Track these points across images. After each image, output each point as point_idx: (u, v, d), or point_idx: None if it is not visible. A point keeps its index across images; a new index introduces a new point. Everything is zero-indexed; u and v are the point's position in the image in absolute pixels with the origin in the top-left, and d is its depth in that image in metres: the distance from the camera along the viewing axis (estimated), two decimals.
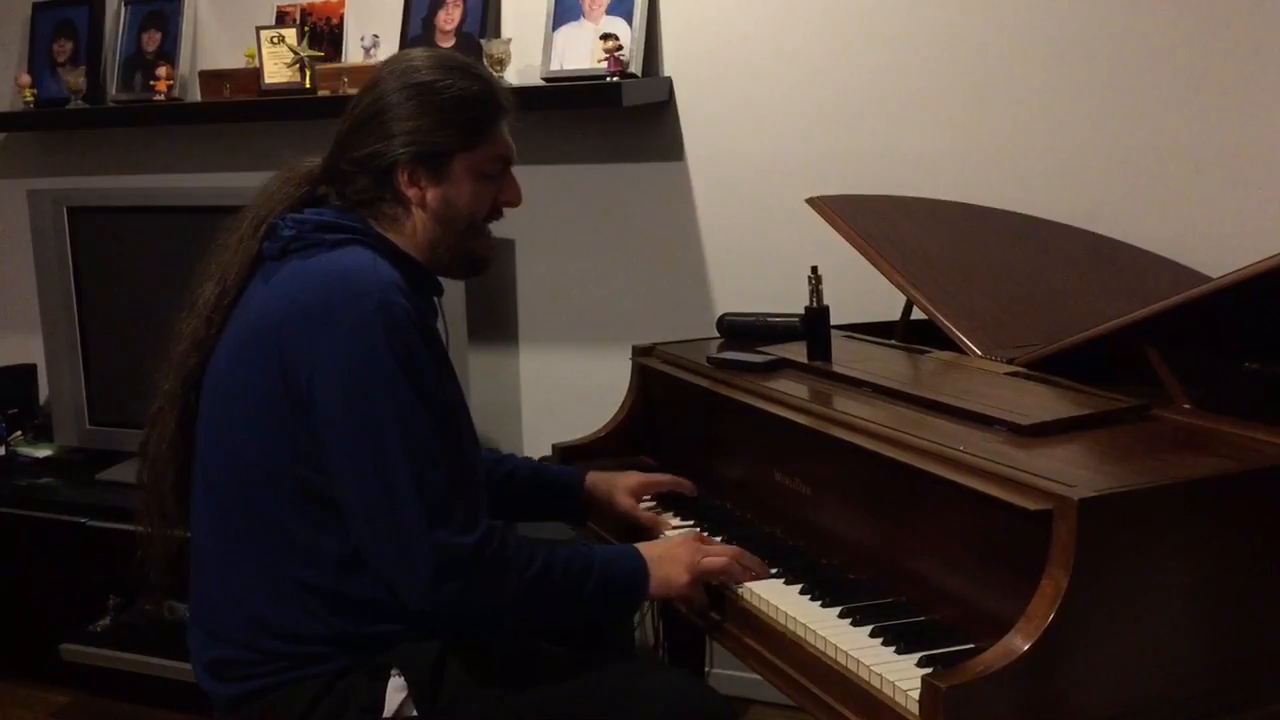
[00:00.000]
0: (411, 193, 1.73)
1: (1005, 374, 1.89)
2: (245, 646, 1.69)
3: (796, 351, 2.10)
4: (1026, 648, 1.33)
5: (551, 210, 3.05)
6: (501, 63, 2.85)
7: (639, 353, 2.36)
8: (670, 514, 2.04)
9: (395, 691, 1.66)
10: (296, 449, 1.64)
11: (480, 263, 1.84)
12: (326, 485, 1.63)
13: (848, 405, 1.85)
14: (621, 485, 2.05)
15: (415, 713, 1.66)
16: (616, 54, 2.74)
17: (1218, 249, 2.35)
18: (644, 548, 1.77)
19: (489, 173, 1.77)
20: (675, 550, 1.76)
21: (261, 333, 1.67)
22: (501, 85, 1.82)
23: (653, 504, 2.08)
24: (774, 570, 1.77)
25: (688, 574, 1.73)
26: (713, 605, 1.80)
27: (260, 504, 1.67)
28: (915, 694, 1.37)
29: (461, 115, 1.73)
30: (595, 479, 2.07)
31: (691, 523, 2.00)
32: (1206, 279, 2.06)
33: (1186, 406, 1.70)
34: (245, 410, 1.68)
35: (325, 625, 1.66)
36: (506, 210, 1.84)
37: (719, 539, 1.87)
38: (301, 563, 1.66)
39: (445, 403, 1.67)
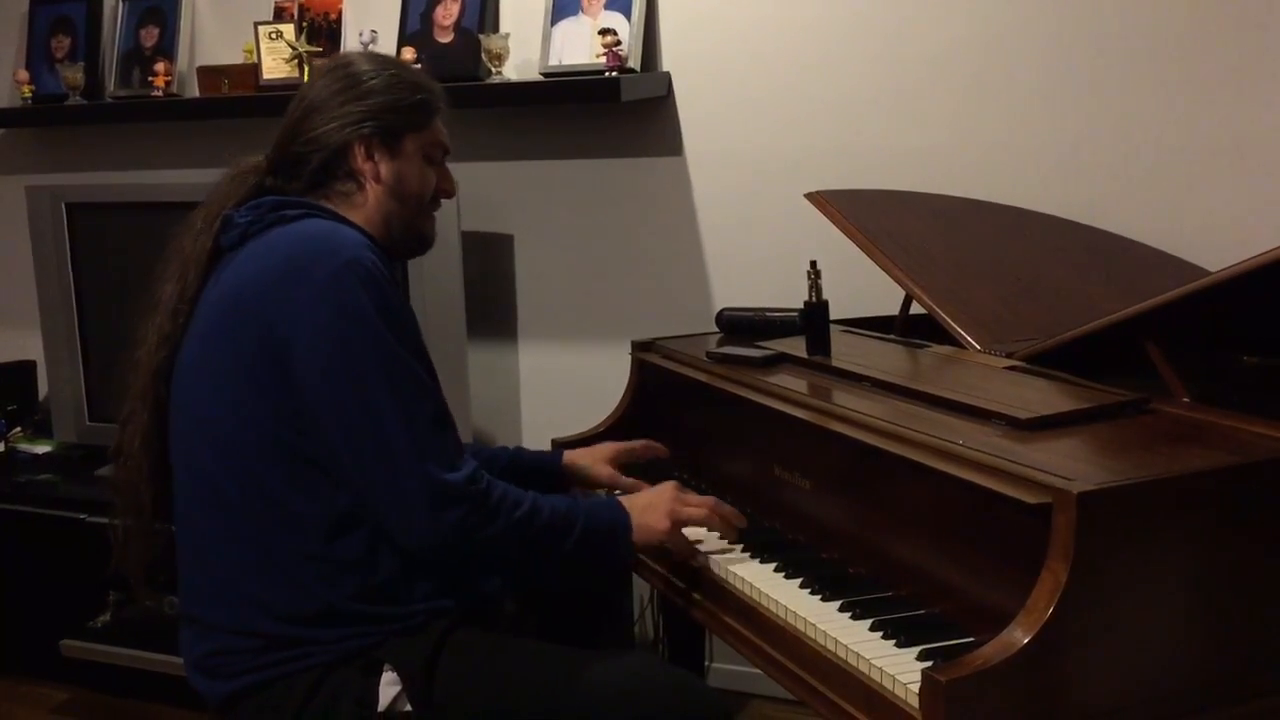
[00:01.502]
0: (366, 167, 1.80)
1: (1004, 368, 1.89)
2: (237, 633, 1.70)
3: (795, 346, 2.10)
4: (1026, 641, 1.33)
5: (550, 205, 3.05)
6: (500, 58, 2.85)
7: (638, 348, 2.36)
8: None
9: (388, 686, 1.67)
10: (280, 412, 1.66)
11: (428, 240, 1.92)
12: (312, 447, 1.66)
13: (847, 400, 1.85)
14: (599, 455, 2.11)
15: (409, 708, 1.66)
16: (615, 49, 2.74)
17: (1216, 243, 2.35)
18: (624, 499, 1.84)
19: (433, 157, 1.87)
20: (654, 499, 1.84)
21: (233, 306, 1.70)
22: (435, 83, 1.90)
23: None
24: (774, 565, 1.77)
25: (668, 520, 1.81)
26: (712, 599, 1.80)
27: (247, 478, 1.68)
28: (915, 687, 1.37)
29: (410, 99, 1.83)
30: (572, 455, 2.13)
31: None
32: (1205, 273, 2.06)
33: (1185, 400, 1.71)
34: (226, 386, 1.69)
35: (315, 599, 1.67)
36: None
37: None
38: (289, 533, 1.67)
39: (421, 350, 1.72)
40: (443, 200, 1.91)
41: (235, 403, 1.68)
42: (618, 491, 2.05)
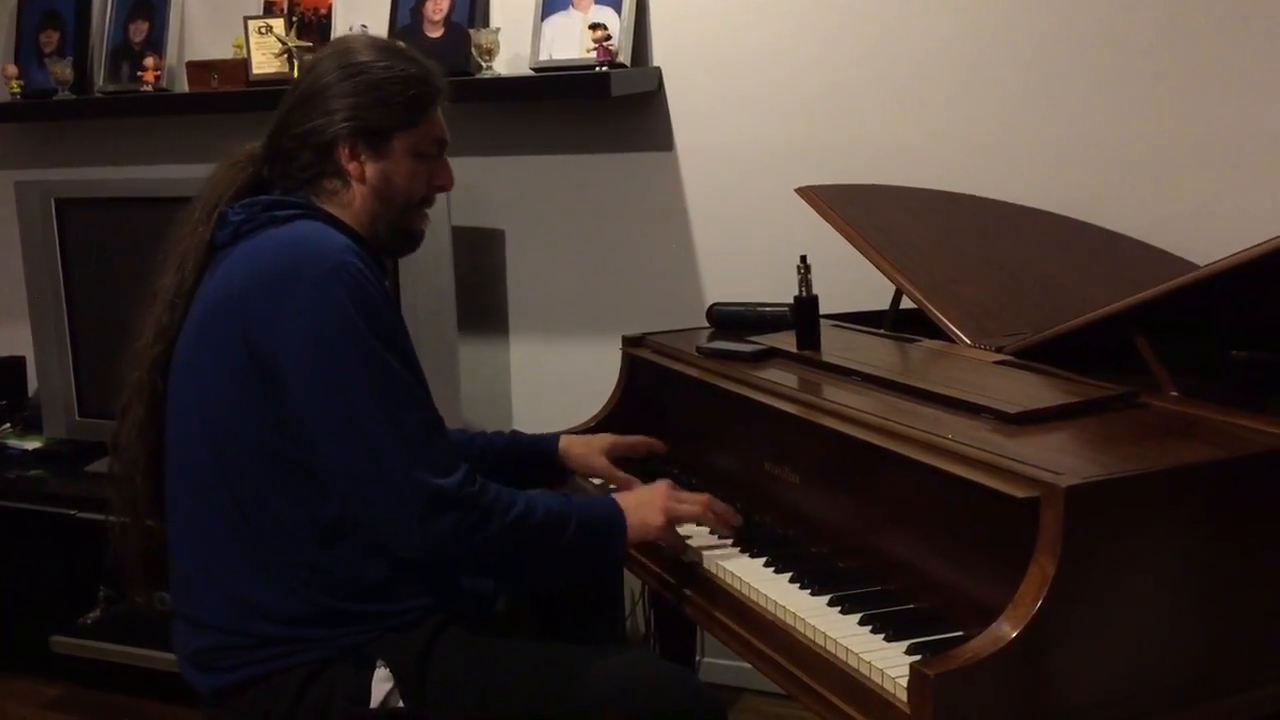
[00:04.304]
0: (351, 167, 1.77)
1: (993, 362, 1.89)
2: (230, 631, 1.70)
3: (786, 341, 2.10)
4: (1014, 635, 1.33)
5: (541, 201, 3.05)
6: (490, 53, 2.85)
7: (629, 343, 2.36)
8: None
9: (381, 682, 1.67)
10: (270, 419, 1.65)
11: (417, 237, 1.88)
12: (302, 453, 1.65)
13: (837, 394, 1.85)
14: (596, 445, 2.10)
15: (401, 704, 1.67)
16: (605, 44, 2.74)
17: (1205, 238, 2.35)
18: (618, 496, 1.83)
19: (425, 153, 1.81)
20: (649, 496, 1.83)
21: (222, 309, 1.69)
22: (437, 69, 1.85)
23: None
24: (764, 560, 1.77)
25: (662, 516, 1.79)
26: (703, 594, 1.80)
27: (238, 481, 1.68)
28: (904, 681, 1.37)
29: (402, 95, 1.77)
30: (570, 440, 2.12)
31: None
32: (1194, 267, 2.07)
33: (1174, 394, 1.71)
34: (216, 388, 1.69)
35: (308, 603, 1.67)
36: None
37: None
38: (281, 538, 1.67)
39: (409, 355, 1.71)
40: (437, 195, 1.87)
41: (226, 407, 1.68)
42: (612, 487, 2.05)
